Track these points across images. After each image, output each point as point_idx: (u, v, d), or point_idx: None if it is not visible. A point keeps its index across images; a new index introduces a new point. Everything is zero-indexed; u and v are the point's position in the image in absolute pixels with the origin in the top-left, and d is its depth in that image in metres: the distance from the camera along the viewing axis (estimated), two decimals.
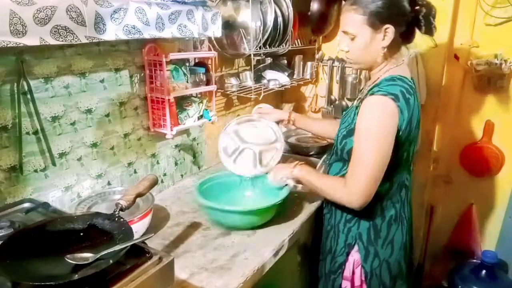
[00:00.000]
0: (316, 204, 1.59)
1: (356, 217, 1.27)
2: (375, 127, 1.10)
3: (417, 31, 1.20)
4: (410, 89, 1.14)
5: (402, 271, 1.33)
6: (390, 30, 1.12)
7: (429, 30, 1.16)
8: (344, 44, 1.21)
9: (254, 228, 1.37)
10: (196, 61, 1.68)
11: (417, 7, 1.13)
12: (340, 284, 1.34)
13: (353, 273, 1.31)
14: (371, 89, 1.18)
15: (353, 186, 1.14)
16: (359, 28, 1.15)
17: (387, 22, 1.12)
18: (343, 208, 1.26)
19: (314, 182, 1.28)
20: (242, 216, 1.32)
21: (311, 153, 2.14)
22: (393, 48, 1.18)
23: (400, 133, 1.12)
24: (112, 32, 1.15)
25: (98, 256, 0.76)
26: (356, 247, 1.28)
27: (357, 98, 1.32)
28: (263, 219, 1.37)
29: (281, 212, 1.50)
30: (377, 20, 1.12)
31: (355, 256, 1.29)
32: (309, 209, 1.55)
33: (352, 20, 1.15)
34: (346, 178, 1.18)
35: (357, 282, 1.31)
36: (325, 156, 1.78)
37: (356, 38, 1.16)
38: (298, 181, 1.36)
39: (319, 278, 1.48)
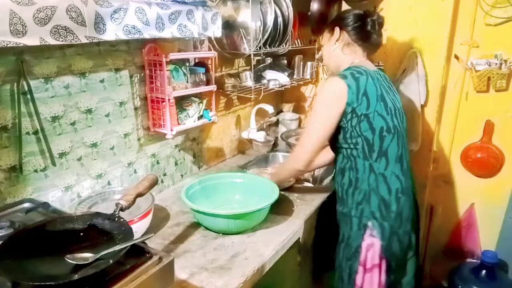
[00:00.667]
0: (316, 204, 1.59)
1: (366, 197, 1.34)
2: (317, 103, 1.36)
3: None
4: (363, 71, 1.32)
5: (411, 243, 1.42)
6: (337, 30, 1.41)
7: (375, 33, 1.40)
8: (324, 57, 1.53)
9: (243, 232, 1.36)
10: (196, 61, 1.68)
11: (366, 14, 1.40)
12: (357, 269, 1.37)
13: (366, 257, 1.35)
14: None
15: (297, 150, 1.43)
16: (324, 39, 1.49)
17: (335, 26, 1.42)
18: (353, 193, 1.36)
19: (278, 173, 1.58)
20: (227, 220, 1.31)
21: None
22: (346, 46, 1.41)
23: (354, 105, 1.28)
24: (112, 32, 1.15)
25: (98, 256, 0.76)
26: (371, 227, 1.33)
27: None
28: (252, 223, 1.37)
29: (281, 212, 1.51)
30: (330, 27, 1.44)
31: (367, 240, 1.34)
32: (309, 209, 1.55)
33: (323, 38, 1.50)
34: (293, 148, 1.49)
35: (368, 265, 1.35)
36: None
37: (323, 47, 1.50)
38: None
39: (334, 271, 1.50)
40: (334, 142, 1.40)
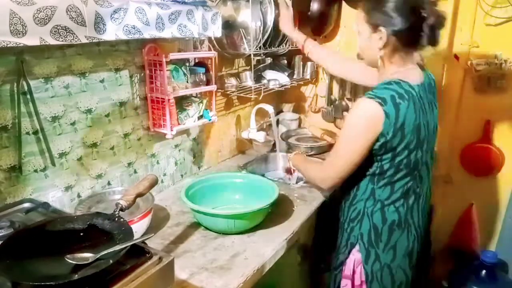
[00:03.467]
0: (316, 204, 1.59)
1: (359, 217, 1.29)
2: (350, 126, 1.20)
3: None
4: (406, 94, 1.13)
5: (407, 279, 1.33)
6: (383, 33, 1.15)
7: (432, 41, 1.14)
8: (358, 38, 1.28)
9: (243, 232, 1.36)
10: (196, 61, 1.68)
11: (422, 16, 1.10)
12: (340, 282, 1.36)
13: (354, 272, 1.32)
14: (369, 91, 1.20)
15: (322, 171, 1.34)
16: (361, 25, 1.21)
17: (381, 25, 1.14)
18: (349, 207, 1.33)
19: (301, 169, 1.54)
20: (227, 220, 1.31)
21: (311, 153, 2.14)
22: (393, 52, 1.18)
23: (388, 137, 1.13)
24: (112, 32, 1.15)
25: (98, 256, 0.76)
26: (357, 247, 1.30)
27: None
28: (252, 223, 1.37)
29: (281, 212, 1.50)
30: (373, 20, 1.16)
31: (356, 255, 1.30)
32: (309, 209, 1.55)
33: (358, 16, 1.21)
34: (321, 164, 1.43)
35: (357, 282, 1.32)
36: None
37: (359, 34, 1.23)
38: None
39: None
40: None
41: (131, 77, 1.43)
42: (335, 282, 1.39)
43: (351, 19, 2.14)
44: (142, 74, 1.48)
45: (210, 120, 1.66)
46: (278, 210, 1.50)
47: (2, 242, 0.78)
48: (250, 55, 1.77)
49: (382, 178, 1.23)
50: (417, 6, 1.11)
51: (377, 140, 1.14)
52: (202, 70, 1.62)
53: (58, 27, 1.00)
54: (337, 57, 1.77)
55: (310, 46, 1.70)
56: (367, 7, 1.18)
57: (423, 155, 1.23)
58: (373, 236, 1.27)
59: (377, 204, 1.25)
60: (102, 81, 1.33)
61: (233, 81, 1.87)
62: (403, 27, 1.12)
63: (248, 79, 1.94)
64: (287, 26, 1.73)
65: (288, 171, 1.75)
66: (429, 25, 1.11)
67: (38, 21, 0.96)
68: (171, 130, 1.49)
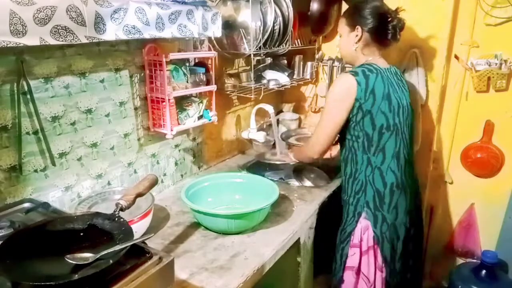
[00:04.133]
0: (316, 204, 1.59)
1: (363, 188, 1.46)
2: (330, 97, 1.46)
3: None
4: (374, 69, 1.42)
5: (409, 235, 1.51)
6: (359, 30, 1.46)
7: (394, 37, 1.48)
8: (338, 42, 1.60)
9: (243, 232, 1.36)
10: (196, 61, 1.68)
11: (388, 18, 1.45)
12: (348, 252, 1.50)
13: (361, 239, 1.47)
14: None
15: (309, 144, 1.57)
16: (342, 28, 1.53)
17: (358, 24, 1.46)
18: (352, 182, 1.49)
19: (295, 154, 1.74)
20: (227, 220, 1.31)
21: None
22: (365, 47, 1.49)
23: (362, 101, 1.38)
24: (112, 32, 1.15)
25: (98, 256, 0.76)
26: (364, 214, 1.46)
27: None
28: (252, 223, 1.37)
29: (281, 212, 1.51)
30: (352, 22, 1.48)
31: (363, 223, 1.46)
32: (309, 209, 1.55)
33: (340, 23, 1.54)
34: (311, 136, 1.61)
35: (364, 248, 1.47)
36: None
37: (341, 36, 1.54)
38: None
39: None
40: (339, 133, 1.51)
41: (131, 77, 1.43)
42: (342, 255, 1.52)
43: None
44: (142, 74, 1.48)
45: (210, 120, 1.66)
46: (278, 210, 1.50)
47: (2, 242, 0.78)
48: (250, 55, 1.77)
49: (371, 145, 1.43)
50: (384, 12, 1.46)
51: (353, 105, 1.39)
52: (202, 70, 1.62)
53: (58, 27, 1.00)
54: None
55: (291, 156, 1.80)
56: (348, 13, 1.53)
57: (402, 123, 1.45)
58: (378, 200, 1.45)
59: (375, 170, 1.44)
60: (102, 81, 1.33)
61: (233, 81, 1.86)
62: (374, 25, 1.45)
63: (248, 79, 1.94)
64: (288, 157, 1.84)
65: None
66: (393, 25, 1.45)
67: (38, 21, 0.96)
68: (171, 130, 1.49)
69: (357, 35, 1.47)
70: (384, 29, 1.46)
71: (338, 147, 1.67)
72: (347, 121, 1.44)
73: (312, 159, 1.60)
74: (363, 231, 1.46)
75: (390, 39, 1.48)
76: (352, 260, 1.50)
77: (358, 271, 1.50)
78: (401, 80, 1.53)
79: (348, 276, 1.52)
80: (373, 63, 1.46)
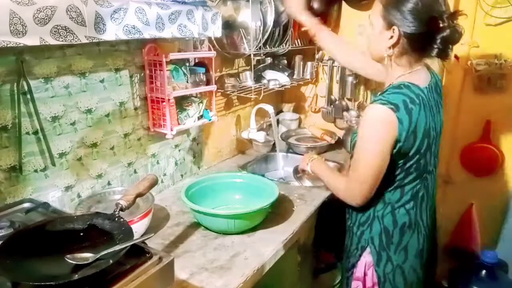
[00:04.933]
0: (316, 204, 1.59)
1: (369, 221, 1.27)
2: (369, 137, 1.15)
3: None
4: (416, 98, 1.12)
5: (419, 278, 1.32)
6: (395, 32, 1.12)
7: (442, 55, 1.13)
8: (368, 28, 1.24)
9: (244, 232, 1.36)
10: (196, 61, 1.68)
11: (440, 26, 1.07)
12: (352, 284, 1.34)
13: (365, 274, 1.31)
14: (378, 95, 1.19)
15: (350, 189, 1.25)
16: (376, 18, 1.17)
17: (396, 24, 1.11)
18: (358, 211, 1.30)
19: (322, 178, 1.45)
20: (227, 220, 1.31)
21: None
22: (401, 54, 1.16)
23: (401, 143, 1.12)
24: (112, 32, 1.15)
25: (98, 256, 0.76)
26: (368, 250, 1.28)
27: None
28: (252, 223, 1.37)
29: (281, 212, 1.50)
30: (388, 16, 1.13)
31: (367, 258, 1.29)
32: (309, 209, 1.55)
33: (375, 7, 1.18)
34: (346, 181, 1.27)
35: (369, 284, 1.31)
36: None
37: (372, 25, 1.19)
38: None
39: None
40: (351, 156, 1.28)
41: (131, 77, 1.43)
42: (348, 284, 1.38)
43: (351, 19, 2.15)
44: (142, 74, 1.48)
45: (210, 120, 1.66)
46: (278, 210, 1.50)
47: (2, 242, 0.78)
48: (250, 55, 1.77)
49: (391, 182, 1.21)
50: (435, 15, 1.08)
51: (394, 147, 1.13)
52: (202, 70, 1.62)
53: (58, 27, 1.00)
54: (346, 47, 1.63)
55: (322, 34, 1.54)
56: (386, 1, 1.14)
57: (431, 158, 1.23)
58: (384, 239, 1.25)
59: (387, 207, 1.24)
60: (102, 81, 1.33)
61: (233, 81, 1.87)
62: (416, 32, 1.09)
63: (248, 79, 1.94)
64: (295, 7, 1.54)
65: (301, 172, 1.65)
66: (443, 37, 1.09)
67: (38, 21, 0.96)
68: (171, 130, 1.49)
69: (391, 37, 1.13)
70: (430, 40, 1.10)
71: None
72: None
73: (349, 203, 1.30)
74: (367, 266, 1.29)
75: (435, 56, 1.13)
76: None
77: None
78: (440, 94, 1.24)
79: None
80: (414, 83, 1.14)
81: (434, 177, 1.31)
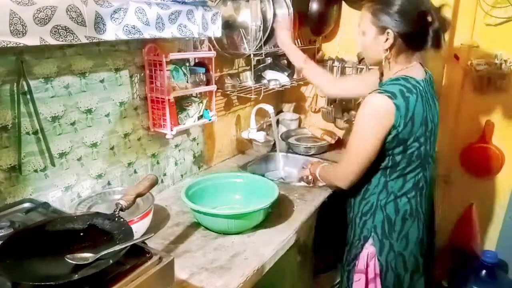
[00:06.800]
0: (316, 204, 1.59)
1: (372, 210, 1.32)
2: (363, 122, 1.22)
3: None
4: (413, 88, 1.18)
5: (418, 266, 1.36)
6: (390, 35, 1.18)
7: (436, 44, 1.19)
8: (359, 38, 1.30)
9: (243, 232, 1.36)
10: (196, 61, 1.68)
11: (429, 20, 1.16)
12: (353, 277, 1.38)
13: (367, 265, 1.34)
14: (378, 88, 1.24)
15: (340, 171, 1.37)
16: (367, 26, 1.23)
17: (388, 27, 1.17)
18: (360, 202, 1.36)
19: (321, 175, 1.52)
20: (227, 220, 1.31)
21: (310, 153, 2.14)
22: (398, 53, 1.22)
23: (399, 129, 1.17)
24: (112, 32, 1.15)
25: (98, 256, 0.76)
26: (371, 240, 1.32)
27: None
28: (252, 223, 1.37)
29: (281, 212, 1.50)
30: (380, 22, 1.19)
31: (369, 249, 1.33)
32: (309, 209, 1.55)
33: (363, 17, 1.24)
34: (338, 164, 1.40)
35: (371, 275, 1.33)
36: None
37: (364, 34, 1.25)
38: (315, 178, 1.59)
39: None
40: None
41: (131, 77, 1.43)
42: (349, 278, 1.41)
43: (351, 19, 2.15)
44: (142, 74, 1.48)
45: (210, 120, 1.66)
46: (278, 210, 1.50)
47: (2, 242, 0.78)
48: (250, 55, 1.77)
49: (394, 171, 1.26)
50: (423, 11, 1.15)
51: (389, 133, 1.18)
52: (202, 70, 1.62)
53: (58, 27, 1.00)
54: (332, 78, 1.80)
55: (309, 67, 1.65)
56: (373, 9, 1.19)
57: (430, 147, 1.28)
58: (387, 227, 1.30)
59: (390, 196, 1.28)
60: (102, 81, 1.33)
61: (233, 81, 1.87)
62: (409, 30, 1.16)
63: (248, 79, 1.94)
64: (285, 36, 1.67)
65: (306, 179, 1.68)
66: (434, 29, 1.16)
67: (38, 21, 0.96)
68: (171, 130, 1.49)
69: (387, 40, 1.18)
70: (423, 35, 1.17)
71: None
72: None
73: (339, 188, 1.39)
74: (369, 257, 1.33)
75: (431, 47, 1.20)
76: (358, 285, 1.37)
77: None
78: (433, 88, 1.31)
79: None
80: (410, 76, 1.20)
81: (433, 167, 1.36)
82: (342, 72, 2.23)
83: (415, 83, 1.20)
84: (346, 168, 1.31)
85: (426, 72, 1.30)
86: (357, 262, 1.36)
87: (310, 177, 1.64)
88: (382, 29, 1.19)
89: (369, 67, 1.80)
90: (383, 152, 1.23)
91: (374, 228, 1.31)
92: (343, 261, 1.47)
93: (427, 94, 1.23)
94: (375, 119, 1.18)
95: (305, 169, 1.65)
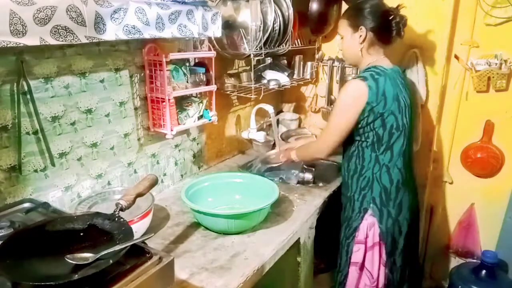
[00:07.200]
0: (316, 204, 1.59)
1: (369, 183, 1.49)
2: (342, 101, 1.47)
3: None
4: (381, 72, 1.44)
5: (410, 230, 1.56)
6: (363, 31, 1.46)
7: (398, 33, 1.50)
8: (339, 44, 1.59)
9: (243, 232, 1.36)
10: (196, 61, 1.68)
11: (391, 16, 1.47)
12: (353, 249, 1.53)
13: (367, 236, 1.50)
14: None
15: (320, 144, 1.56)
16: (344, 30, 1.52)
17: (361, 24, 1.46)
18: (358, 179, 1.51)
19: (299, 156, 1.68)
20: (227, 220, 1.31)
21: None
22: (370, 46, 1.49)
23: (373, 104, 1.40)
24: (112, 32, 1.15)
25: (98, 256, 0.76)
26: (370, 211, 1.49)
27: None
28: (252, 223, 1.37)
29: (281, 212, 1.51)
30: (354, 22, 1.48)
31: (369, 219, 1.49)
32: (309, 209, 1.55)
33: (341, 25, 1.54)
34: (319, 137, 1.66)
35: (369, 243, 1.50)
36: None
37: (343, 37, 1.54)
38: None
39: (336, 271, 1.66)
40: None
41: (131, 77, 1.43)
42: (348, 251, 1.55)
43: None
44: (142, 74, 1.48)
45: (210, 120, 1.66)
46: (278, 210, 1.50)
47: (2, 242, 0.78)
48: (250, 55, 1.77)
49: (381, 145, 1.45)
50: (386, 10, 1.48)
51: (365, 108, 1.40)
52: (202, 70, 1.62)
53: (58, 27, 1.00)
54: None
55: (294, 153, 1.72)
56: (348, 14, 1.52)
57: (408, 123, 1.48)
58: (384, 196, 1.48)
59: (382, 168, 1.47)
60: (102, 81, 1.33)
61: (233, 81, 1.86)
62: (377, 25, 1.46)
63: (248, 79, 1.94)
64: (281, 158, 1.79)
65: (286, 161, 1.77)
66: (395, 22, 1.47)
67: (38, 21, 0.96)
68: (171, 130, 1.49)
69: (361, 35, 1.47)
70: (388, 27, 1.47)
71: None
72: (357, 123, 1.45)
73: (319, 159, 1.65)
74: (369, 227, 1.49)
75: (395, 36, 1.49)
76: (356, 256, 1.53)
77: (362, 267, 1.54)
78: (404, 80, 1.55)
79: (352, 272, 1.55)
80: (379, 65, 1.46)
81: (411, 143, 1.57)
82: (343, 72, 2.24)
83: (383, 69, 1.45)
84: (327, 140, 1.51)
85: (395, 67, 1.54)
86: (357, 233, 1.51)
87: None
88: (357, 27, 1.47)
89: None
90: (368, 130, 1.44)
91: (373, 199, 1.49)
92: (341, 238, 1.59)
93: (395, 79, 1.46)
94: (351, 98, 1.43)
95: (279, 155, 1.78)
